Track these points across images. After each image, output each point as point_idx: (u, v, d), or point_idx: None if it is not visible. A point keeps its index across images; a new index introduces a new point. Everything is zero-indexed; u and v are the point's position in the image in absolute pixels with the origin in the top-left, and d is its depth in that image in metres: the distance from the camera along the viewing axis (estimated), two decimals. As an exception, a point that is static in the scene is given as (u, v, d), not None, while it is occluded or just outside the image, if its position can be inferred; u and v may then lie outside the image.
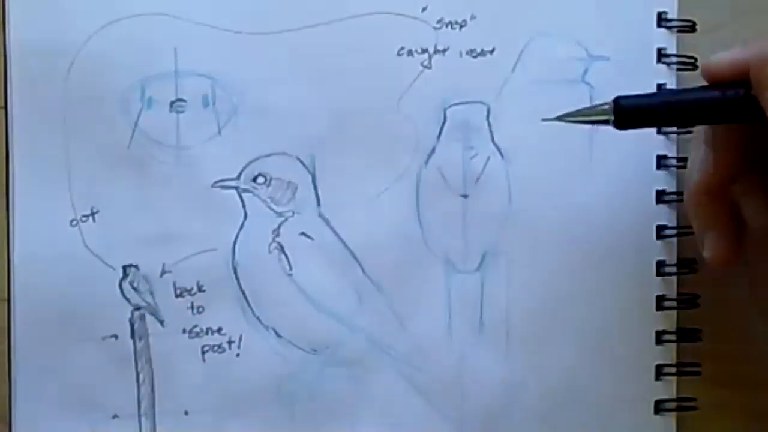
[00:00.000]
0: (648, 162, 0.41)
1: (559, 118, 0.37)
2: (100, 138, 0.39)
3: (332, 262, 0.41)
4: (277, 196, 0.40)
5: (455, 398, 0.41)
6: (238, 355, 0.40)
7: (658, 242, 0.41)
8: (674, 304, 0.41)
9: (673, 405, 0.41)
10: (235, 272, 0.40)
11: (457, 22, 0.41)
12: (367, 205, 0.41)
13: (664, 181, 0.41)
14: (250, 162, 0.40)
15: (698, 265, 0.41)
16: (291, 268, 0.40)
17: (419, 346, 0.41)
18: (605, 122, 0.36)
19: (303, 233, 0.41)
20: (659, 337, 0.41)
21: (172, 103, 0.40)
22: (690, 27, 0.42)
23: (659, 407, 0.41)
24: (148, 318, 0.40)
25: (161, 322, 0.40)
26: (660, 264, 0.41)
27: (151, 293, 0.40)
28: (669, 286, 0.41)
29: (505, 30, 0.41)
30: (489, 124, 0.41)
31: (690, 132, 0.42)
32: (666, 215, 0.41)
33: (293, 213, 0.41)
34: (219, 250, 0.40)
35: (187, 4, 0.39)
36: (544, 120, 0.37)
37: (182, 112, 0.40)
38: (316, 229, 0.41)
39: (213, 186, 0.40)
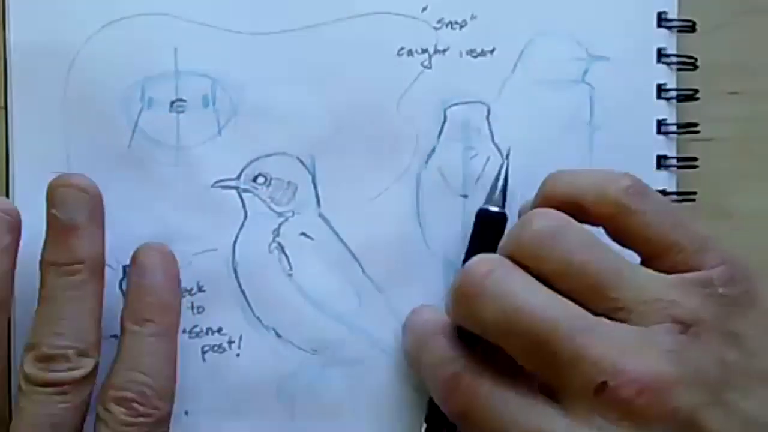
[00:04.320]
0: (648, 162, 0.41)
1: None
2: (101, 138, 0.39)
3: (332, 262, 0.41)
4: (278, 196, 0.40)
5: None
6: (238, 355, 0.40)
7: (658, 242, 0.41)
8: (674, 304, 0.41)
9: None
10: (236, 272, 0.40)
11: (457, 22, 0.41)
12: (367, 205, 0.41)
13: (664, 181, 0.41)
14: (251, 162, 0.40)
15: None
16: (291, 268, 0.40)
17: (419, 346, 0.41)
18: None
19: (303, 233, 0.41)
20: (659, 337, 0.41)
21: (172, 103, 0.40)
22: (690, 27, 0.42)
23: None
24: (149, 318, 0.40)
25: (161, 322, 0.40)
26: (660, 264, 0.41)
27: (152, 293, 0.40)
28: (669, 286, 0.41)
29: (505, 30, 0.41)
30: (489, 124, 0.41)
31: (693, 132, 0.42)
32: (666, 215, 0.41)
33: (293, 213, 0.41)
34: (219, 250, 0.40)
35: (187, 4, 0.39)
36: None
37: (182, 112, 0.40)
38: (316, 229, 0.41)
39: (213, 186, 0.40)
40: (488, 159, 0.41)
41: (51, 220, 0.37)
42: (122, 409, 0.36)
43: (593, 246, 0.34)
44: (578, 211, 0.35)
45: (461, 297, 0.34)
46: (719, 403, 0.32)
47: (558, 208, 0.35)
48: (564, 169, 0.37)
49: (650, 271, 0.34)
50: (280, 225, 0.40)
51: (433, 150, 0.41)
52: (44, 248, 0.37)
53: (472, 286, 0.34)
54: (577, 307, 0.33)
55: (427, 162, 0.41)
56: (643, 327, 0.33)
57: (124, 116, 0.39)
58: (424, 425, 0.39)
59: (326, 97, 0.40)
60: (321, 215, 0.41)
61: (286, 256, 0.40)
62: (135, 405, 0.36)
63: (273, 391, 0.40)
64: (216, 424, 0.40)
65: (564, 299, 0.33)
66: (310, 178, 0.40)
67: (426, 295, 0.41)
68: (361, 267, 0.41)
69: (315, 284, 0.40)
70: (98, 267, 0.37)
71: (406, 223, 0.41)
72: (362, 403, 0.41)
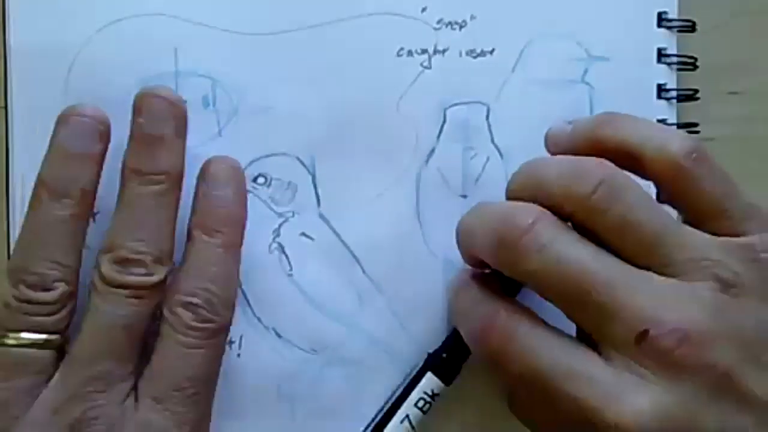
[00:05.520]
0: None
1: None
2: (101, 138, 0.39)
3: (332, 263, 0.41)
4: (278, 196, 0.40)
5: (454, 398, 0.41)
6: (238, 355, 0.40)
7: (658, 242, 0.41)
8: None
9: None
10: (236, 272, 0.40)
11: (456, 23, 0.41)
12: (367, 206, 0.41)
13: (664, 181, 0.41)
14: (251, 162, 0.40)
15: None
16: (291, 269, 0.40)
17: (419, 346, 0.41)
18: None
19: (303, 233, 0.41)
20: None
21: (172, 104, 0.40)
22: (690, 27, 0.42)
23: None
24: (149, 318, 0.40)
25: (162, 322, 0.40)
26: (660, 264, 0.41)
27: (152, 293, 0.40)
28: (669, 286, 0.41)
29: (505, 30, 0.41)
30: (489, 125, 0.41)
31: (693, 132, 0.42)
32: (666, 215, 0.41)
33: (293, 213, 0.41)
34: (219, 251, 0.40)
35: (187, 5, 0.39)
36: None
37: (182, 112, 0.40)
38: (317, 230, 0.41)
39: (213, 186, 0.40)
40: (488, 159, 0.41)
41: (137, 129, 0.37)
42: (189, 314, 0.37)
43: (650, 204, 0.34)
44: (631, 161, 0.35)
45: (504, 245, 0.34)
46: (757, 362, 0.33)
47: (608, 153, 0.35)
48: (615, 113, 0.37)
49: (697, 231, 0.34)
50: (280, 225, 0.41)
51: (433, 150, 0.41)
52: (128, 155, 0.37)
53: (516, 235, 0.34)
54: (620, 261, 0.34)
55: (426, 162, 0.41)
56: (686, 283, 0.33)
57: (124, 117, 0.39)
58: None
59: (326, 98, 0.40)
60: (321, 215, 0.41)
61: (286, 256, 0.40)
62: (201, 311, 0.37)
63: (273, 391, 0.41)
64: (216, 423, 0.40)
65: (607, 252, 0.34)
66: (310, 178, 0.41)
67: (426, 295, 0.41)
68: (361, 267, 0.41)
69: (315, 284, 0.41)
70: (178, 178, 0.38)
71: (406, 223, 0.41)
72: (362, 402, 0.41)
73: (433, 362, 0.39)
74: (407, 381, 0.40)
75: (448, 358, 0.39)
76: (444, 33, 0.41)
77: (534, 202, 0.35)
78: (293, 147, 0.40)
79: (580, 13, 0.41)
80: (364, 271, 0.41)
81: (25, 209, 0.37)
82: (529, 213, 0.34)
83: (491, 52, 0.41)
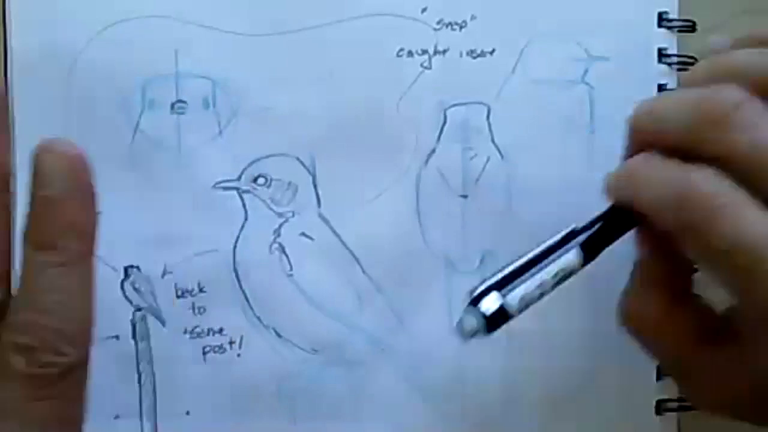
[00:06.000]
0: (648, 162, 0.41)
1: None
2: (102, 139, 0.39)
3: (332, 263, 0.41)
4: (278, 196, 0.41)
5: (455, 398, 0.41)
6: (239, 355, 0.40)
7: (659, 241, 0.41)
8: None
9: (674, 405, 0.41)
10: (236, 273, 0.40)
11: (457, 23, 0.41)
12: (367, 206, 0.41)
13: (665, 181, 0.41)
14: (251, 163, 0.40)
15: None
16: (291, 269, 0.41)
17: (419, 346, 0.41)
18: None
19: (303, 234, 0.41)
20: (660, 337, 0.41)
21: (172, 105, 0.40)
22: (690, 27, 0.42)
23: (661, 407, 0.41)
24: (150, 319, 0.40)
25: (163, 323, 0.40)
26: (660, 264, 0.41)
27: (153, 294, 0.40)
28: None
29: (505, 30, 0.41)
30: (489, 125, 0.41)
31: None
32: (666, 215, 0.41)
33: (294, 213, 0.41)
34: (220, 251, 0.40)
35: (188, 7, 0.40)
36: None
37: (183, 113, 0.40)
38: (317, 230, 0.41)
39: (214, 187, 0.40)
40: (488, 159, 0.41)
41: None
42: (22, 359, 0.29)
43: None
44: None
45: (711, 121, 0.31)
46: None
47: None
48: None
49: None
50: (280, 225, 0.41)
51: (433, 150, 0.41)
52: None
53: (725, 111, 0.31)
54: None
55: (426, 162, 0.41)
56: None
57: (124, 118, 0.39)
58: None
59: (326, 98, 0.40)
60: (321, 216, 0.41)
61: (287, 256, 0.41)
62: (37, 354, 0.29)
63: (273, 391, 0.41)
64: (217, 424, 0.40)
65: None
66: (310, 178, 0.41)
67: (426, 295, 0.41)
68: (361, 267, 0.41)
69: (315, 284, 0.41)
70: (1, 179, 0.31)
71: (406, 223, 0.41)
72: (362, 403, 0.41)
73: (581, 238, 0.36)
74: (544, 247, 0.36)
75: (597, 236, 0.36)
76: (444, 33, 0.41)
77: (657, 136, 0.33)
78: (293, 147, 0.40)
79: (580, 13, 0.41)
80: (363, 271, 0.41)
81: (25, 210, 0.37)
82: (737, 92, 0.31)
83: (491, 52, 0.41)
